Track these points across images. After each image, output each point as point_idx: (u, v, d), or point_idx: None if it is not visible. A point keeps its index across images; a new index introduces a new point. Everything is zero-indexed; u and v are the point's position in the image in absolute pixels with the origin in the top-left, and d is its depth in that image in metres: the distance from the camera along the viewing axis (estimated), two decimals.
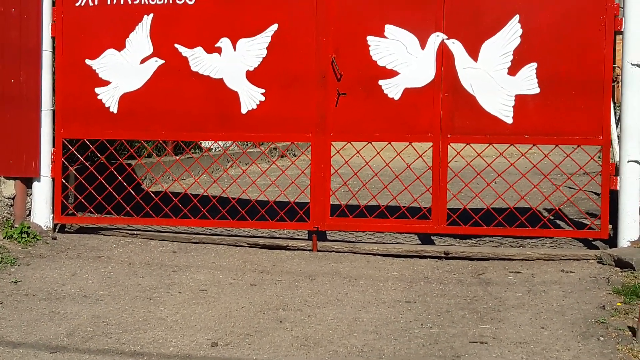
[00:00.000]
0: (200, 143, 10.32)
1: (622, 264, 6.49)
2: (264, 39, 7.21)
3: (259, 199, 7.58)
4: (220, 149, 11.39)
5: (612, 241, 6.98)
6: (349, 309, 5.75)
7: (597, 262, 6.73)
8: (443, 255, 7.05)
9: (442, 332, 5.28)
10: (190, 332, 5.24)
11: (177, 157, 8.37)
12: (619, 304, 5.71)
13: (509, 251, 7.06)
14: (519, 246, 7.39)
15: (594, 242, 7.25)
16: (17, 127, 7.37)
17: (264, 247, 7.33)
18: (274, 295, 6.02)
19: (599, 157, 7.12)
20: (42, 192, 7.46)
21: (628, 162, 6.78)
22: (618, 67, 7.11)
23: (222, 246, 7.34)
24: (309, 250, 7.25)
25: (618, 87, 7.07)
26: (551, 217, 7.48)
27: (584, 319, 5.48)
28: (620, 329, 5.22)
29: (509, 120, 6.97)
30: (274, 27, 7.19)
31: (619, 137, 6.95)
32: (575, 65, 6.88)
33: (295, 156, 8.02)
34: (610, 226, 7.04)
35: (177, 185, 9.32)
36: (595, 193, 7.62)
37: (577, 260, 6.84)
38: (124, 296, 5.96)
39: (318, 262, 6.94)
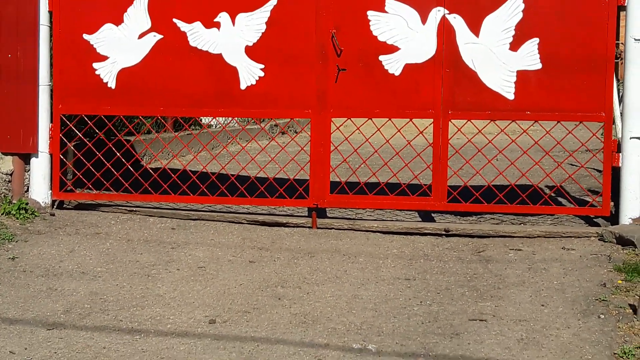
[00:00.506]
0: (200, 119, 10.24)
1: (624, 242, 6.45)
2: (263, 13, 7.13)
3: (258, 175, 7.52)
4: (219, 125, 11.33)
5: (614, 218, 6.93)
6: (348, 286, 5.72)
7: (599, 240, 6.69)
8: (443, 232, 7.01)
9: (442, 310, 5.24)
10: (188, 309, 5.21)
11: (176, 134, 8.31)
12: (619, 281, 5.68)
13: (510, 228, 7.01)
14: (520, 223, 7.34)
15: (595, 220, 7.20)
16: (14, 102, 7.30)
17: (263, 224, 7.28)
18: (273, 273, 5.99)
19: (601, 134, 7.07)
20: (40, 168, 7.41)
21: (630, 138, 6.72)
22: (622, 43, 7.02)
23: (221, 223, 7.30)
24: (309, 227, 7.21)
25: (621, 64, 6.98)
26: (552, 194, 7.42)
27: (584, 296, 5.44)
28: (621, 307, 5.18)
29: (511, 97, 6.90)
30: (273, 1, 7.11)
31: (621, 114, 6.88)
32: (578, 41, 6.80)
33: (296, 133, 7.94)
34: (612, 203, 6.99)
35: (177, 161, 9.27)
36: (597, 170, 7.56)
37: (578, 237, 6.80)
38: (122, 273, 5.93)
39: (317, 239, 6.90)
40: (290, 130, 12.90)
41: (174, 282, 5.74)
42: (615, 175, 6.87)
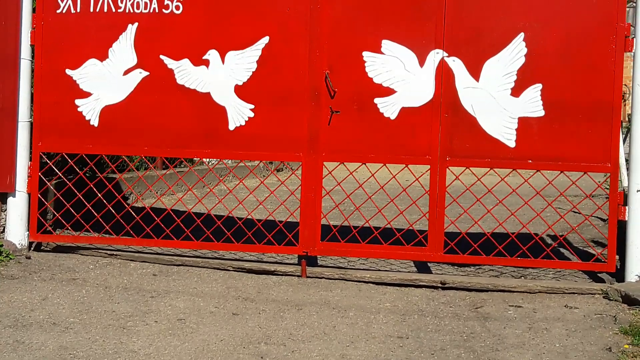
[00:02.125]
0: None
1: (630, 301, 6.09)
2: (254, 52, 6.83)
3: (248, 218, 7.17)
4: (209, 164, 10.99)
5: (620, 274, 6.58)
6: (336, 344, 5.35)
7: (603, 298, 6.33)
8: (439, 285, 6.65)
9: None
10: None
11: (161, 174, 7.97)
12: (626, 345, 5.31)
13: (510, 282, 6.66)
14: (520, 276, 6.99)
15: (600, 275, 6.85)
16: None
17: (250, 271, 6.93)
18: (257, 327, 5.62)
19: (608, 182, 6.74)
20: (17, 208, 7.06)
21: (637, 191, 6.39)
22: (626, 84, 6.72)
23: (206, 270, 6.94)
24: (298, 276, 6.85)
25: (627, 104, 6.67)
26: (555, 246, 7.07)
27: None
28: None
29: (512, 144, 6.58)
30: (265, 39, 6.81)
31: (627, 160, 6.55)
32: (583, 88, 6.49)
33: (291, 171, 7.60)
34: (617, 256, 6.65)
35: (166, 201, 8.93)
36: (602, 219, 7.22)
37: (582, 294, 6.44)
38: (96, 324, 5.56)
39: (306, 289, 6.54)
40: (286, 169, 12.58)
41: (150, 336, 5.37)
42: (620, 227, 6.54)
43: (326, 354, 5.15)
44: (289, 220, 7.12)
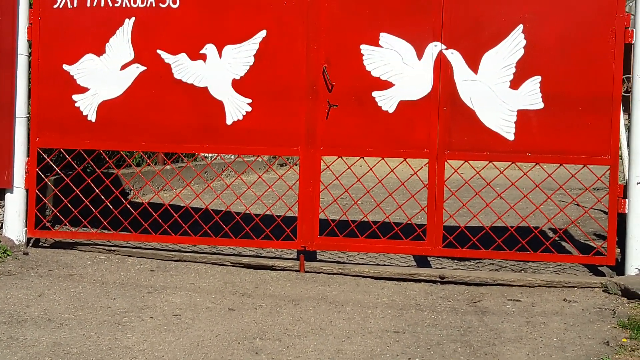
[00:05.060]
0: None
1: (630, 294, 6.03)
2: (251, 45, 6.78)
3: (246, 213, 7.13)
4: (208, 159, 10.95)
5: (620, 267, 6.53)
6: (332, 339, 5.31)
7: (603, 291, 6.27)
8: (438, 279, 6.61)
9: None
10: None
11: (158, 170, 7.94)
12: (624, 339, 5.26)
13: (509, 276, 6.60)
14: (520, 270, 6.94)
15: (600, 268, 6.79)
16: None
17: (248, 266, 6.89)
18: (253, 322, 5.59)
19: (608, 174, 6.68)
20: (14, 204, 7.05)
21: (638, 184, 6.32)
22: (627, 77, 6.65)
23: (204, 265, 6.91)
24: (296, 270, 6.81)
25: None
26: (556, 239, 7.01)
27: (585, 356, 5.02)
28: None
29: (511, 137, 6.52)
30: (262, 33, 6.77)
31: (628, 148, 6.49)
32: (583, 80, 6.43)
33: (289, 166, 7.56)
34: (618, 250, 6.59)
35: (164, 196, 8.91)
36: (603, 211, 7.16)
37: (582, 288, 6.38)
38: (91, 320, 5.53)
39: (304, 284, 6.50)
40: (290, 162, 12.53)
41: (145, 332, 5.34)
42: (621, 219, 6.47)
43: (321, 349, 5.12)
44: (287, 215, 7.08)
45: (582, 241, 7.51)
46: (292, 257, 7.06)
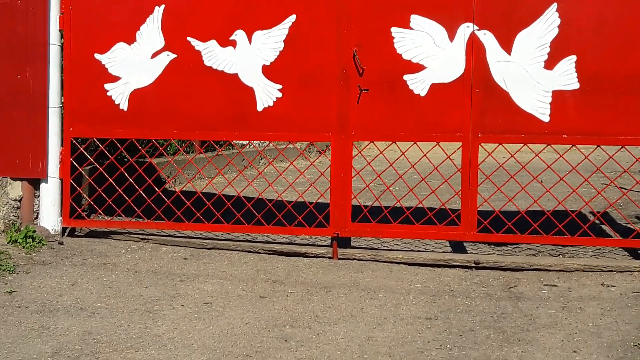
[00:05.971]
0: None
1: None
2: (281, 31, 6.72)
3: (278, 200, 7.09)
4: (250, 144, 10.93)
5: None
6: (362, 326, 5.26)
7: None
8: (473, 264, 6.50)
9: (463, 355, 4.76)
10: (185, 352, 4.80)
11: (190, 158, 7.93)
12: None
13: (545, 261, 6.47)
14: (559, 255, 6.80)
15: None
16: (23, 125, 7.00)
17: (281, 253, 6.85)
18: (283, 310, 5.55)
19: None
20: (49, 194, 7.08)
21: None
22: None
23: (237, 252, 6.89)
24: (329, 257, 6.76)
25: None
26: (595, 223, 6.86)
27: (622, 341, 4.91)
28: None
29: (546, 119, 6.38)
30: (292, 18, 6.70)
31: None
32: (620, 59, 6.26)
33: (320, 152, 7.49)
34: None
35: (199, 185, 8.91)
36: None
37: (620, 272, 6.24)
38: (122, 309, 5.55)
39: (337, 271, 6.45)
40: (314, 151, 12.48)
41: (175, 320, 5.34)
42: None
43: (351, 336, 5.07)
44: (319, 201, 7.03)
45: (623, 224, 7.34)
46: (325, 244, 7.01)
